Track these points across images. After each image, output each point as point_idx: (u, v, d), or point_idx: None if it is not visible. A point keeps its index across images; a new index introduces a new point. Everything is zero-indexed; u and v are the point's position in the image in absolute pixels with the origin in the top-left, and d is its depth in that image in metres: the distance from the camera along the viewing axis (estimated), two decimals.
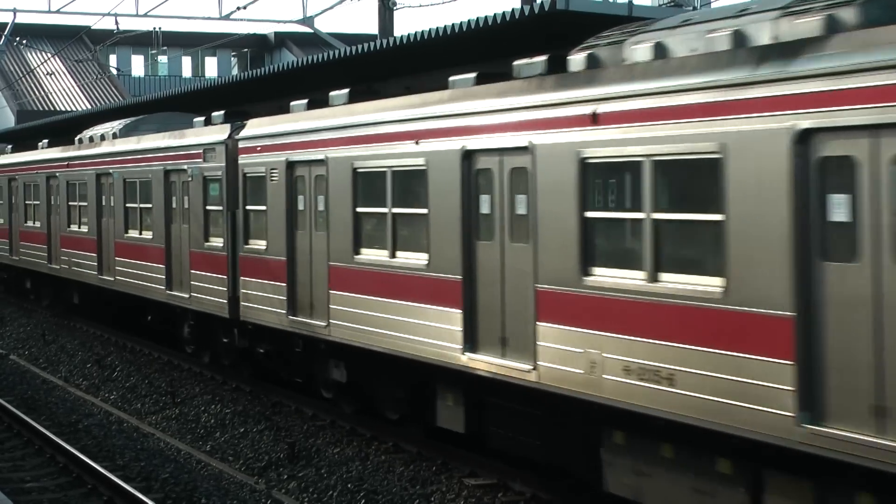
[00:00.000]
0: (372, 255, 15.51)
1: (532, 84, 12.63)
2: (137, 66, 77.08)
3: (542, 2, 14.80)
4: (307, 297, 17.25)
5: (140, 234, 24.04)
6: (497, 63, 14.92)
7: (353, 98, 17.01)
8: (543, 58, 13.08)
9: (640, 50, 11.41)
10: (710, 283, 10.14)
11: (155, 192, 23.03)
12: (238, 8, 40.40)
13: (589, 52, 12.22)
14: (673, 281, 10.57)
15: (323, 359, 17.43)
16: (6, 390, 22.38)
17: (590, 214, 11.59)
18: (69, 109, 65.25)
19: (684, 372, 10.34)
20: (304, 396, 19.30)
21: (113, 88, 72.47)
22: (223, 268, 19.97)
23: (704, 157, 10.11)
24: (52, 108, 67.36)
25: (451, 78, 14.77)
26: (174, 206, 22.31)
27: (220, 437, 18.07)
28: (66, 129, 38.03)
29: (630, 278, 11.06)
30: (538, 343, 12.24)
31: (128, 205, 24.71)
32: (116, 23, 44.79)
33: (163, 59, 73.98)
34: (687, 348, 10.32)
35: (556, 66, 12.88)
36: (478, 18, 16.19)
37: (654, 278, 10.76)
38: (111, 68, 71.42)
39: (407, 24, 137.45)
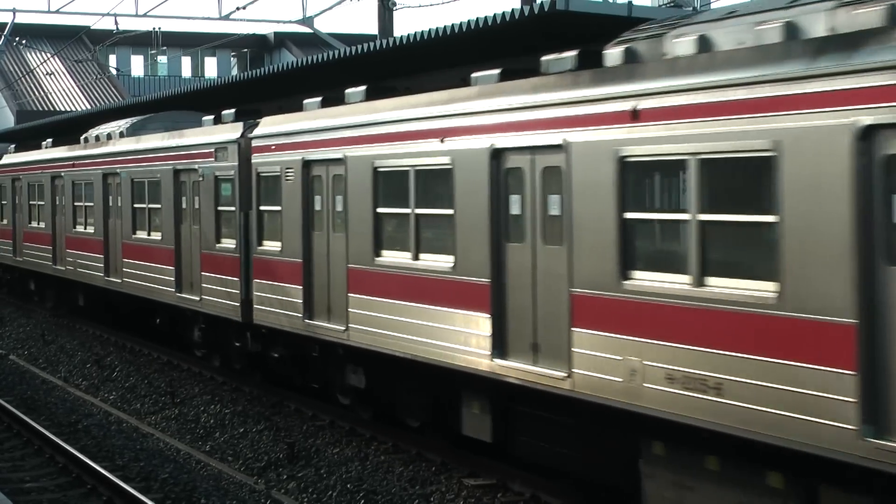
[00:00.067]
0: (394, 257, 15.00)
1: (566, 79, 12.12)
2: (137, 66, 76.85)
3: (541, 2, 14.57)
4: (324, 301, 16.74)
5: (148, 235, 23.53)
6: (497, 63, 14.72)
7: (370, 95, 16.52)
8: (573, 52, 12.61)
9: (682, 43, 10.91)
10: (762, 288, 9.62)
11: (164, 193, 22.53)
12: (238, 8, 40.60)
13: (626, 46, 11.71)
14: (721, 286, 10.05)
15: (340, 364, 16.92)
16: (6, 390, 22.23)
17: (629, 215, 11.08)
18: (69, 109, 64.95)
19: (733, 381, 9.83)
20: (303, 397, 19.17)
21: (112, 88, 72.23)
22: (236, 270, 19.47)
23: (756, 156, 9.60)
24: (51, 109, 67.03)
25: (474, 75, 14.29)
26: (184, 206, 21.80)
27: (220, 438, 17.92)
28: (66, 129, 37.63)
29: (673, 282, 10.55)
30: (573, 349, 11.73)
31: (136, 205, 24.20)
32: (116, 23, 44.94)
33: (162, 59, 73.77)
34: (736, 356, 9.81)
35: (587, 61, 12.39)
36: (477, 19, 16.02)
37: (699, 283, 10.25)
38: (111, 68, 71.28)
39: (407, 25, 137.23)
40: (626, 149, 10.99)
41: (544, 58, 13.07)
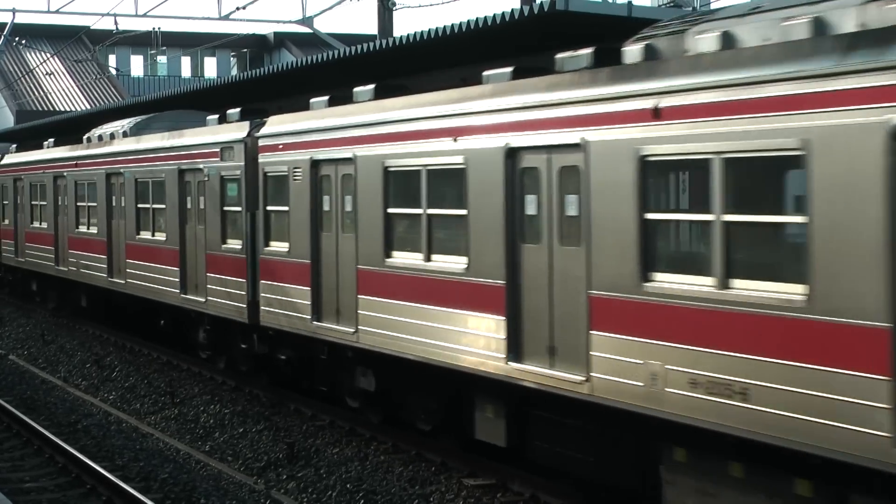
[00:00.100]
0: (405, 258, 14.74)
1: (584, 77, 11.86)
2: (137, 66, 76.71)
3: (541, 2, 14.45)
4: (333, 302, 16.48)
5: (153, 235, 23.27)
6: (496, 63, 14.61)
7: (379, 94, 16.26)
8: (589, 50, 12.36)
9: (705, 40, 10.64)
10: (791, 291, 9.36)
11: (168, 193, 22.26)
12: (237, 8, 40.65)
13: (646, 42, 11.45)
14: (746, 288, 9.79)
15: (350, 366, 16.66)
16: (5, 390, 22.16)
17: (650, 216, 10.82)
18: (68, 109, 64.82)
19: (760, 386, 9.57)
20: (302, 397, 19.03)
21: (112, 88, 72.13)
22: (242, 271, 19.20)
23: (784, 155, 9.35)
24: (51, 109, 66.85)
25: (486, 73, 14.04)
26: (189, 206, 21.54)
27: (219, 437, 17.83)
28: (66, 129, 37.37)
29: (696, 284, 10.29)
30: (591, 353, 11.47)
31: (140, 205, 23.93)
32: (116, 23, 45.01)
33: (162, 59, 73.62)
34: (763, 361, 9.55)
35: (603, 59, 12.14)
36: (477, 19, 15.91)
37: (724, 285, 9.99)
38: (110, 68, 71.16)
39: (406, 25, 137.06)
40: (648, 148, 10.74)
41: (559, 55, 12.82)
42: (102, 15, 43.78)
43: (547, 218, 12.25)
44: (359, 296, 15.65)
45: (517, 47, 16.95)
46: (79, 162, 27.88)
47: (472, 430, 14.08)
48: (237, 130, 19.54)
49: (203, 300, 20.77)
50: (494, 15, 15.59)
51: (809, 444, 9.17)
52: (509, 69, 13.66)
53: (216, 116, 21.62)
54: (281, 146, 17.86)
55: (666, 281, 10.64)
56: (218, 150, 20.05)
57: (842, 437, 8.87)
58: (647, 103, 10.72)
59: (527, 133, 12.45)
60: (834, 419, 8.93)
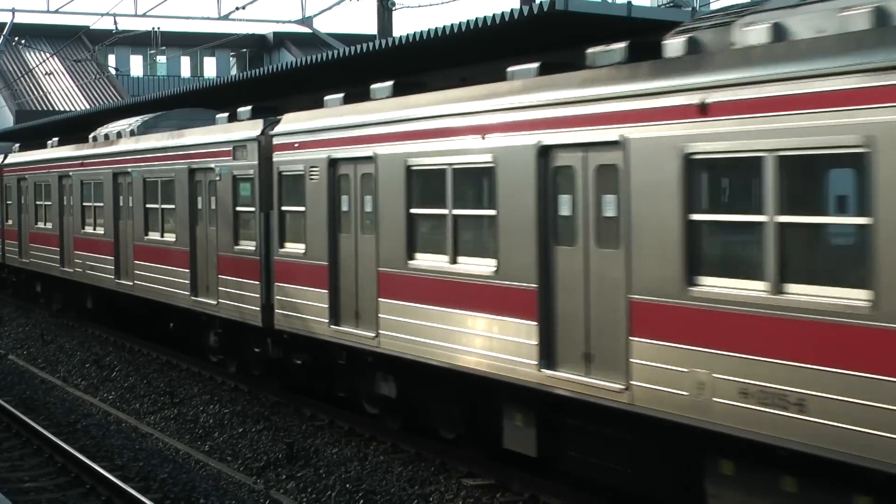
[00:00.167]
0: (429, 260, 14.22)
1: (623, 72, 11.34)
2: (136, 65, 76.37)
3: (541, 2, 14.20)
4: (352, 306, 15.96)
5: (162, 236, 22.74)
6: (496, 64, 14.29)
7: (398, 90, 15.75)
8: (623, 44, 11.84)
9: (754, 32, 10.13)
10: (853, 297, 8.85)
11: (178, 192, 21.73)
12: (237, 8, 40.66)
13: (689, 35, 10.93)
14: (803, 293, 9.28)
15: (369, 372, 16.14)
16: (5, 390, 22.05)
17: (696, 217, 10.30)
18: (68, 109, 64.40)
19: (819, 397, 9.05)
20: (302, 397, 18.85)
21: (111, 88, 71.77)
22: (256, 273, 18.69)
23: (845, 152, 8.83)
24: (50, 108, 66.42)
25: (510, 69, 13.53)
26: (200, 206, 21.02)
27: (219, 437, 17.72)
28: (66, 128, 36.92)
29: (747, 289, 9.78)
30: (632, 360, 10.96)
31: (148, 205, 23.41)
32: (115, 23, 45.11)
33: (161, 59, 73.32)
34: (822, 370, 9.03)
35: (639, 53, 11.62)
36: (476, 19, 15.68)
37: (778, 290, 9.47)
38: (110, 68, 70.82)
39: (406, 25, 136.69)
40: (693, 145, 10.22)
41: (590, 50, 12.32)
42: (102, 15, 43.72)
43: (582, 219, 11.74)
44: (380, 299, 15.14)
45: (516, 48, 16.69)
46: (85, 161, 27.35)
47: (499, 439, 13.56)
48: (250, 128, 19.03)
49: (214, 303, 20.25)
50: (494, 15, 15.39)
51: (873, 458, 8.67)
52: (535, 65, 13.17)
53: (225, 115, 21.10)
54: (297, 144, 17.34)
55: (713, 285, 10.12)
56: (230, 148, 19.53)
57: None
58: (693, 99, 10.21)
59: (560, 130, 11.94)
60: None
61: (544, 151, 12.19)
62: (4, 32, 54.21)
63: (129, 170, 24.27)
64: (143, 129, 24.84)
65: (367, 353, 15.75)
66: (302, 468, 15.52)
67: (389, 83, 15.98)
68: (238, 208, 19.39)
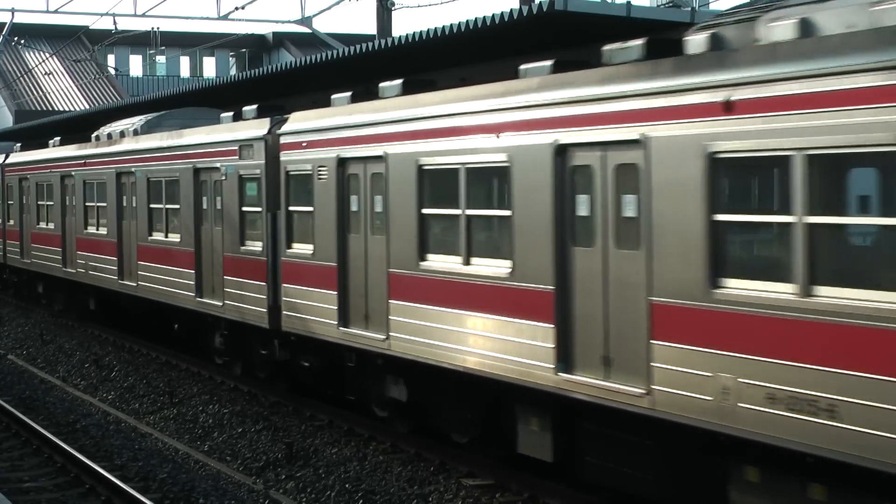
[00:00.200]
0: (441, 261, 13.96)
1: (643, 69, 11.08)
2: (135, 65, 76.27)
3: (540, 2, 14.06)
4: (362, 307, 15.70)
5: (166, 236, 22.47)
6: (496, 63, 14.03)
7: (407, 89, 15.49)
8: (640, 41, 11.58)
9: (781, 27, 9.86)
10: (886, 299, 8.58)
11: (183, 192, 21.46)
12: (236, 8, 40.50)
13: (712, 31, 10.67)
14: (834, 296, 9.02)
15: (379, 375, 15.87)
16: (4, 390, 22.00)
17: (720, 217, 10.04)
18: (67, 109, 64.21)
19: (852, 403, 8.79)
20: (302, 397, 18.73)
21: (111, 88, 71.61)
22: (262, 274, 18.42)
23: (879, 151, 8.57)
24: (50, 108, 66.22)
25: (523, 66, 13.29)
26: (205, 206, 20.74)
27: (218, 437, 17.68)
28: (66, 128, 36.68)
29: (774, 291, 9.51)
30: (653, 364, 10.69)
31: (152, 205, 23.13)
32: (115, 23, 45.15)
33: (161, 59, 73.18)
34: (855, 375, 8.77)
35: (657, 50, 11.36)
36: (476, 19, 15.56)
37: (807, 292, 9.21)
38: (109, 68, 70.62)
39: (405, 25, 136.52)
40: (717, 144, 9.96)
41: (606, 47, 12.05)
42: (101, 15, 43.69)
43: (601, 219, 11.47)
44: (390, 301, 14.88)
45: (516, 47, 16.52)
46: (87, 161, 27.07)
47: (513, 444, 13.30)
48: (257, 127, 18.76)
49: (220, 304, 19.99)
50: (493, 15, 15.24)
51: None
52: (549, 62, 12.93)
53: (230, 114, 20.83)
54: (305, 143, 17.08)
55: (738, 287, 9.86)
56: (236, 147, 19.26)
57: None
58: (718, 96, 9.95)
59: (578, 129, 11.68)
60: None
61: (561, 150, 11.93)
62: (4, 32, 53.97)
63: (133, 169, 24.00)
64: (147, 129, 24.56)
65: (377, 356, 15.49)
66: (301, 468, 15.46)
67: (398, 81, 15.73)
68: (244, 208, 19.13)
